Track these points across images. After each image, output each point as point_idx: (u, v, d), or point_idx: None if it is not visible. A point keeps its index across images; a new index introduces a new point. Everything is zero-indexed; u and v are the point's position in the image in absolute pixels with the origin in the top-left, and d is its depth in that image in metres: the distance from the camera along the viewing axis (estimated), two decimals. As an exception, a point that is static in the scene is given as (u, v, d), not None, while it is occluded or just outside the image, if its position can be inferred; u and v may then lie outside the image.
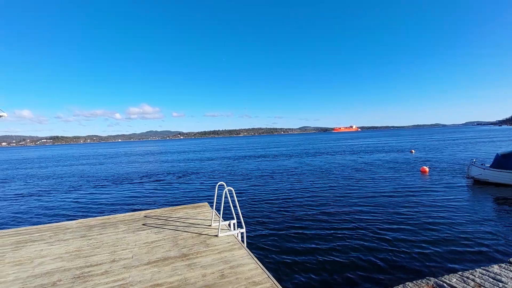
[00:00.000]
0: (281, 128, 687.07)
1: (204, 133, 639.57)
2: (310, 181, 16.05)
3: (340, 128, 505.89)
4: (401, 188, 13.05)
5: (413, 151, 31.71)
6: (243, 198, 12.58)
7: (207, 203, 7.88)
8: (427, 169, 17.48)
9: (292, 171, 20.28)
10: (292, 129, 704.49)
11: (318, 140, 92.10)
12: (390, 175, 16.58)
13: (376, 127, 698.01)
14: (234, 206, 10.23)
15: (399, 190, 12.77)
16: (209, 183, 17.08)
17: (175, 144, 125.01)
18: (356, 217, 9.19)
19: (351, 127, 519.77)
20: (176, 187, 16.24)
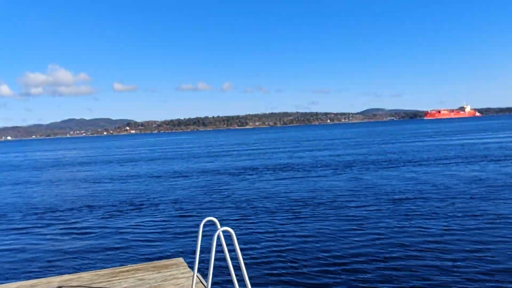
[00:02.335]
0: (326, 114, 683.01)
1: (178, 122, 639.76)
2: (378, 217, 15.91)
3: (439, 112, 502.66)
4: None
5: None
6: (252, 248, 12.53)
7: (182, 259, 8.03)
8: None
9: (341, 197, 20.30)
10: (349, 114, 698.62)
11: (396, 136, 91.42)
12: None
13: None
14: (236, 264, 10.27)
15: None
16: (186, 220, 17.10)
17: (118, 145, 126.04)
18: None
19: (462, 109, 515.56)
20: (121, 228, 16.38)
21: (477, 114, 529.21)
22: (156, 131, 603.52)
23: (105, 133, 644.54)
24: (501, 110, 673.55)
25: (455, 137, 72.83)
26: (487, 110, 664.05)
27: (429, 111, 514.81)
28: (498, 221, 14.65)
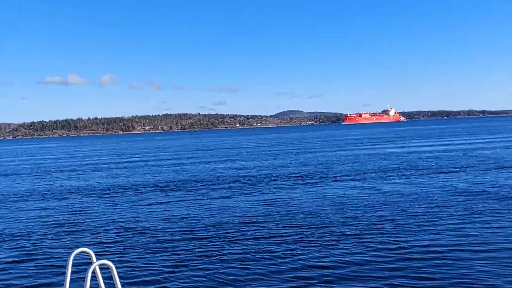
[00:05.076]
0: (234, 116, 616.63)
1: (42, 126, 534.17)
2: (274, 240, 15.32)
3: (360, 116, 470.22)
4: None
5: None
6: (134, 285, 12.20)
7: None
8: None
9: (235, 222, 18.86)
10: (262, 117, 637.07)
11: (313, 142, 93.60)
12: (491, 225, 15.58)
13: (445, 113, 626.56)
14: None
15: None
16: (52, 253, 15.67)
17: None
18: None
19: (386, 113, 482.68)
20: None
21: (402, 118, 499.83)
22: (10, 137, 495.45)
23: None
24: (431, 113, 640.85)
25: (377, 145, 73.56)
26: (418, 113, 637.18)
27: (349, 115, 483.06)
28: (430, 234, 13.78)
